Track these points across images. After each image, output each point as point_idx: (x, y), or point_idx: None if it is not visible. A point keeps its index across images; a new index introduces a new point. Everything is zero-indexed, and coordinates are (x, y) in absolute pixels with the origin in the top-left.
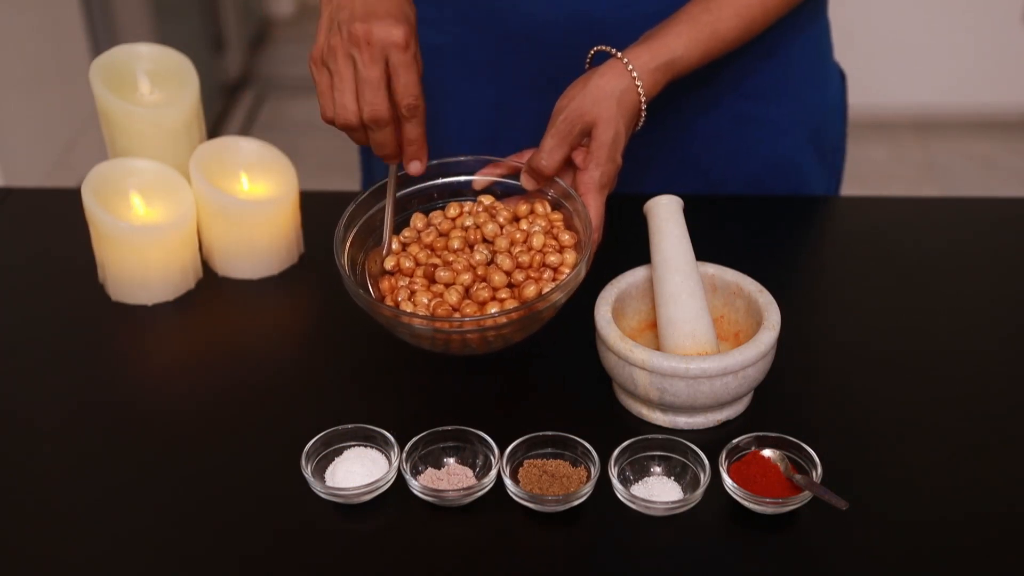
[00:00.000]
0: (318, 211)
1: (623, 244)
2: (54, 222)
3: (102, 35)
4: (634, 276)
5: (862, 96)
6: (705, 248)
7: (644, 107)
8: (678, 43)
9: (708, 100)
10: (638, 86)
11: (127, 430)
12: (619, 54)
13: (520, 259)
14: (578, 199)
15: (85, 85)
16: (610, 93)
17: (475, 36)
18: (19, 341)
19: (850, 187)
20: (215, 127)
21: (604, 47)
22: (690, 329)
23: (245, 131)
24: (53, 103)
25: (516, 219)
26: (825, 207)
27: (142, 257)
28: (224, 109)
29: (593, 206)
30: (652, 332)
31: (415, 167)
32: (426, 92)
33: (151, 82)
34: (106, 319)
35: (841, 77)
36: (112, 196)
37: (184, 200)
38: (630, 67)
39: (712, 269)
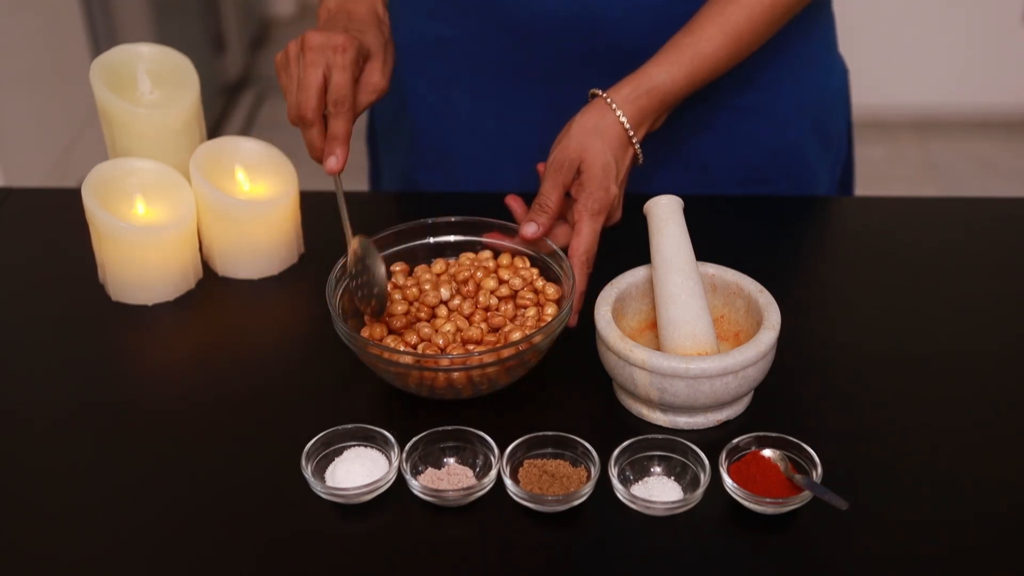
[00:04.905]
0: (318, 211)
1: (623, 244)
2: (54, 222)
3: (102, 35)
4: (634, 276)
5: (862, 95)
6: (705, 248)
7: (633, 137)
8: (658, 70)
9: (709, 92)
10: (618, 116)
11: (127, 430)
12: (603, 93)
13: (505, 307)
14: (565, 259)
15: (85, 85)
16: (591, 129)
17: (478, 29)
18: (19, 341)
19: None
20: (215, 127)
21: (595, 90)
22: (690, 329)
23: (245, 131)
24: (53, 103)
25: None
26: (825, 207)
27: (142, 257)
28: (224, 109)
29: (585, 231)
30: (652, 332)
31: (331, 163)
32: (434, 84)
33: (151, 82)
34: (106, 319)
35: (844, 71)
36: (112, 196)
37: (184, 200)
38: (609, 101)
39: (712, 269)
